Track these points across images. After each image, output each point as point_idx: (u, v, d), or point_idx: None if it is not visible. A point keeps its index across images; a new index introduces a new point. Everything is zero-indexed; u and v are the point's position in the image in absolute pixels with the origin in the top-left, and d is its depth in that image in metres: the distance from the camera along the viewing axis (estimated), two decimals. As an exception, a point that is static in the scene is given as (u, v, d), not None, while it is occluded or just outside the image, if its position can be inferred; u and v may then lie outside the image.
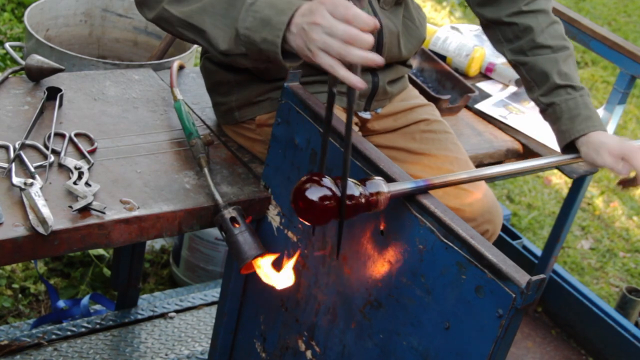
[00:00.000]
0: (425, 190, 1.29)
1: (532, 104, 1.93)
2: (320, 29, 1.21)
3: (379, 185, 1.25)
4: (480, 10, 1.84)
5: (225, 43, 1.36)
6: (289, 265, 1.46)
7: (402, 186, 1.28)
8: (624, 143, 1.67)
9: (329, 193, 1.20)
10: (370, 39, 1.20)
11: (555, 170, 2.53)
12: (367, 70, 1.72)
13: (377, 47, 1.66)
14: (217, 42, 1.37)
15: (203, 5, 1.38)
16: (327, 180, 1.21)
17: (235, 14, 1.34)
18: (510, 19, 1.78)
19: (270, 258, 1.46)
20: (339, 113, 1.68)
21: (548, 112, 1.76)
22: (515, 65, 1.82)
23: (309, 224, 1.31)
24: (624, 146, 1.66)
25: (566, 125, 1.72)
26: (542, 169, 1.69)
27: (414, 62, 2.39)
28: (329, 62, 1.21)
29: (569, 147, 1.75)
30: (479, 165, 2.14)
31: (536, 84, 1.76)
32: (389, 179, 1.30)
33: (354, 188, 1.23)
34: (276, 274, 1.46)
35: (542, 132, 2.21)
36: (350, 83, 1.19)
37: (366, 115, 1.78)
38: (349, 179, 1.23)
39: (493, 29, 1.84)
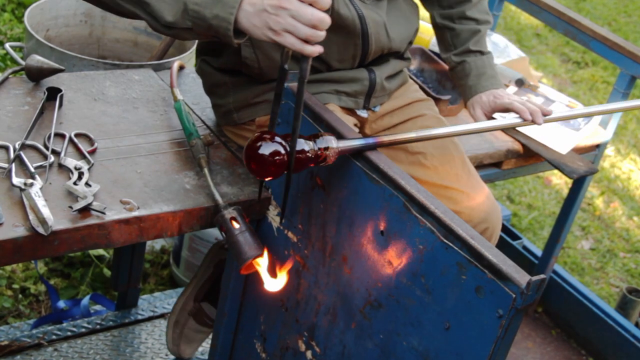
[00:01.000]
0: (374, 147, 1.38)
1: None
2: (286, 13, 1.28)
3: (328, 141, 1.35)
4: None
5: (171, 15, 1.39)
6: (282, 272, 1.48)
7: (351, 143, 1.36)
8: (493, 94, 1.87)
9: (279, 149, 1.30)
10: (329, 20, 1.29)
11: (555, 171, 2.53)
12: (363, 67, 1.72)
13: (363, 37, 1.67)
14: (163, 14, 1.39)
15: None
16: (277, 138, 1.31)
17: None
18: None
19: (265, 265, 1.46)
20: (339, 113, 1.68)
21: (457, 69, 1.93)
22: (440, 26, 1.95)
23: (261, 178, 1.40)
24: (490, 98, 1.87)
25: (473, 81, 1.91)
26: (481, 131, 1.87)
27: (414, 63, 2.39)
28: (293, 42, 1.29)
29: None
30: (479, 165, 2.15)
31: (454, 46, 1.94)
32: (340, 136, 1.38)
33: (303, 143, 1.33)
34: (271, 279, 1.46)
35: (542, 132, 2.21)
36: (315, 53, 1.29)
37: (364, 113, 1.78)
38: (301, 136, 1.33)
39: None
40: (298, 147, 1.32)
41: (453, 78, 1.98)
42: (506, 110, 1.85)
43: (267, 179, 1.37)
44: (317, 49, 1.29)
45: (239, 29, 1.36)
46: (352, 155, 1.38)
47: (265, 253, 1.45)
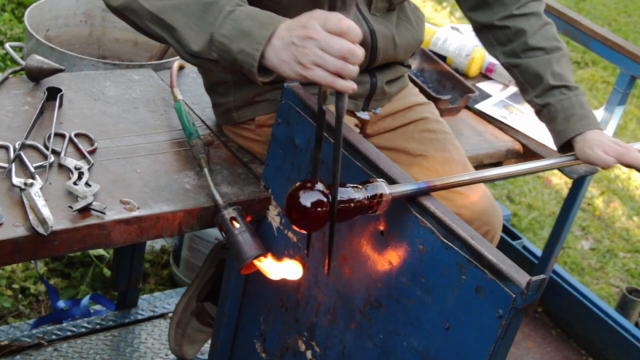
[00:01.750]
0: (427, 192, 1.29)
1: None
2: (314, 44, 1.20)
3: (380, 187, 1.25)
4: (472, 14, 1.84)
5: (197, 45, 1.34)
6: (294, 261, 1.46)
7: (404, 188, 1.27)
8: (618, 142, 1.68)
9: (322, 198, 1.20)
10: (362, 52, 1.20)
11: (555, 171, 2.53)
12: (365, 71, 1.72)
13: (372, 51, 1.66)
14: (189, 42, 1.34)
15: (177, 3, 1.36)
16: (319, 185, 1.21)
17: (212, 19, 1.32)
18: (502, 23, 1.79)
19: (270, 258, 1.46)
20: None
21: (543, 113, 1.77)
22: (508, 68, 1.82)
23: (303, 231, 1.29)
24: (618, 146, 1.67)
25: (561, 125, 1.72)
26: (542, 170, 1.69)
27: (414, 63, 2.39)
28: (323, 76, 1.20)
29: (566, 147, 1.75)
30: (479, 165, 2.14)
31: (530, 85, 1.77)
32: (390, 181, 1.29)
33: (352, 192, 1.23)
34: (281, 267, 1.45)
35: (542, 132, 2.21)
36: (348, 89, 1.19)
37: (364, 115, 1.78)
38: (350, 184, 1.24)
39: (485, 32, 1.85)
40: (347, 196, 1.22)
41: (541, 121, 1.79)
42: (632, 167, 1.67)
43: (309, 231, 1.28)
44: (350, 85, 1.20)
45: (267, 66, 1.29)
46: (353, 156, 1.38)
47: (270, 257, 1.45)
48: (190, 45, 1.34)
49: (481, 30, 1.85)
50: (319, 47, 1.19)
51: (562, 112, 1.72)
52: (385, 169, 1.33)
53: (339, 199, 1.21)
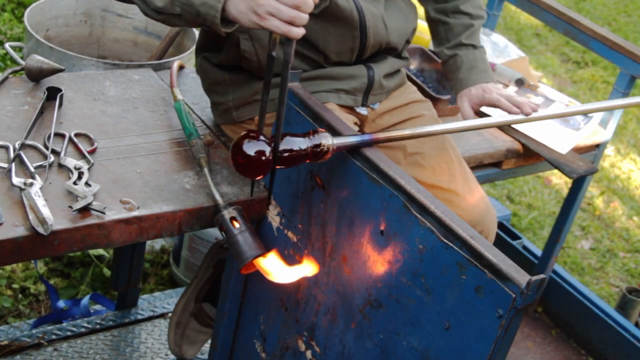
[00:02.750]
0: (370, 143, 1.38)
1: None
2: None
3: (323, 137, 1.35)
4: None
5: (160, 1, 1.43)
6: (298, 269, 1.47)
7: (347, 139, 1.37)
8: (482, 88, 1.88)
9: (265, 148, 1.30)
10: (312, 2, 1.28)
11: (555, 170, 2.53)
12: (362, 64, 1.72)
13: (361, 29, 1.67)
14: None
15: None
16: (262, 136, 1.32)
17: None
18: None
19: (270, 258, 1.46)
20: (338, 112, 1.69)
21: (449, 62, 1.95)
22: (433, 20, 1.97)
23: (248, 177, 1.40)
24: (482, 91, 1.88)
25: (464, 75, 1.92)
26: (470, 129, 1.81)
27: (414, 63, 2.39)
28: (278, 24, 1.29)
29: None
30: (479, 165, 2.15)
31: (447, 40, 1.95)
32: (336, 134, 1.38)
33: (297, 141, 1.33)
34: (283, 268, 1.45)
35: (542, 132, 2.21)
36: (299, 36, 1.29)
37: (363, 111, 1.79)
38: (295, 134, 1.34)
39: None
40: (290, 146, 1.33)
41: (445, 72, 2.00)
42: (493, 105, 1.88)
43: (256, 178, 1.38)
44: (301, 31, 1.30)
45: (228, 18, 1.37)
46: (350, 153, 1.38)
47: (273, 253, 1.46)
48: (155, 1, 1.44)
49: None
50: None
51: (467, 64, 1.92)
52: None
53: (283, 148, 1.32)
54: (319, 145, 1.35)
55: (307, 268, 1.48)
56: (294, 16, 1.28)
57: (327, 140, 1.35)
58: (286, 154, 1.33)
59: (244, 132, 1.33)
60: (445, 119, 2.12)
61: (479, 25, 1.97)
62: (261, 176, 1.35)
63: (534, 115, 1.82)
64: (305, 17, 1.29)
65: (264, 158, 1.31)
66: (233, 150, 1.32)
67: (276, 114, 1.33)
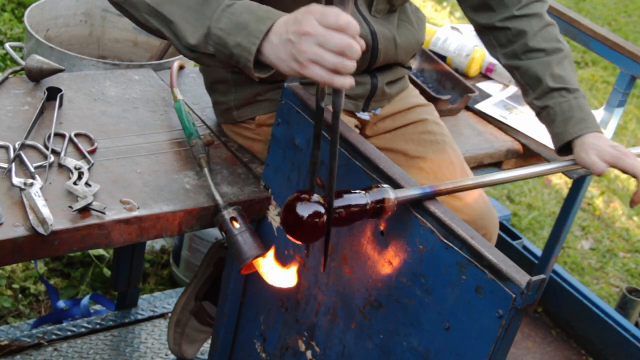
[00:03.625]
0: (432, 196, 1.28)
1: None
2: (311, 40, 1.16)
3: (385, 192, 1.24)
4: (473, 15, 1.83)
5: (194, 38, 1.32)
6: (292, 267, 1.46)
7: (409, 192, 1.27)
8: (616, 147, 1.66)
9: (319, 209, 1.20)
10: (360, 47, 1.18)
11: (556, 171, 2.54)
12: (366, 72, 1.72)
13: (372, 53, 1.65)
14: (185, 35, 1.33)
15: None
16: (316, 196, 1.21)
17: (210, 12, 1.31)
18: (503, 24, 1.77)
19: (270, 257, 1.46)
20: (342, 115, 1.68)
21: (542, 115, 1.76)
22: (509, 69, 1.81)
23: (301, 243, 1.30)
24: (614, 150, 1.65)
25: (560, 128, 1.71)
26: (544, 174, 1.68)
27: (414, 63, 2.39)
28: (321, 73, 1.17)
29: (565, 149, 1.75)
30: (479, 165, 2.14)
31: (530, 87, 1.76)
32: (394, 184, 1.29)
33: (355, 197, 1.22)
34: (278, 271, 1.45)
35: (542, 132, 2.21)
36: (347, 86, 1.17)
37: (364, 116, 1.78)
38: (354, 190, 1.23)
39: (487, 34, 1.83)
40: (347, 203, 1.22)
41: (542, 122, 1.79)
42: (630, 174, 1.65)
43: (310, 242, 1.28)
44: (349, 81, 1.17)
45: (264, 62, 1.27)
46: (353, 157, 1.38)
47: (271, 252, 1.45)
48: (187, 39, 1.33)
49: (482, 31, 1.84)
50: (315, 44, 1.16)
51: (561, 115, 1.71)
52: (386, 170, 1.32)
53: (340, 205, 1.21)
54: (381, 202, 1.23)
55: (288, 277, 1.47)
56: (339, 64, 1.16)
57: (389, 195, 1.24)
58: (343, 213, 1.22)
59: (296, 194, 1.22)
60: (445, 120, 2.12)
61: (559, 60, 1.73)
62: (316, 240, 1.25)
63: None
64: (351, 65, 1.17)
65: (318, 221, 1.20)
66: (284, 212, 1.21)
67: (329, 170, 1.21)
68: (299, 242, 1.27)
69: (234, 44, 1.27)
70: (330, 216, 1.21)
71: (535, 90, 1.75)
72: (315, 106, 1.22)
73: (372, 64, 1.68)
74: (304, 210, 1.19)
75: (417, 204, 1.27)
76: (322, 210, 1.20)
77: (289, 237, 1.23)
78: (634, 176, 1.64)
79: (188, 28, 1.33)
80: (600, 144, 1.66)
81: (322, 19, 1.16)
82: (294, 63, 1.20)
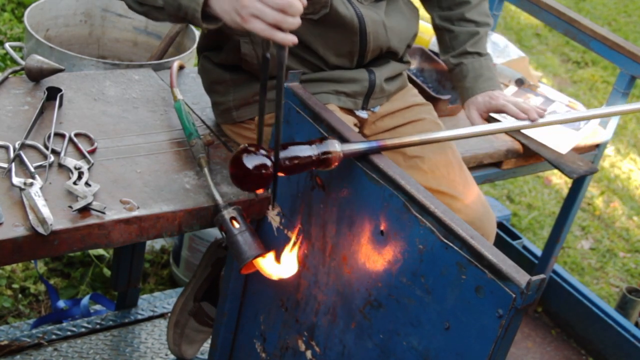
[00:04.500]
0: (377, 150, 1.35)
1: (532, 103, 1.98)
2: None
3: (331, 144, 1.33)
4: None
5: None
6: (291, 254, 1.47)
7: (355, 146, 1.35)
8: (489, 95, 1.87)
9: (265, 161, 1.28)
10: (300, 5, 1.23)
11: (555, 170, 2.53)
12: (363, 68, 1.72)
13: (361, 35, 1.66)
14: None
15: None
16: (262, 150, 1.29)
17: None
18: None
19: (270, 257, 1.46)
20: (339, 113, 1.68)
21: (455, 71, 1.93)
22: (438, 28, 1.96)
23: (249, 191, 1.39)
24: (489, 98, 1.87)
25: (470, 83, 1.91)
26: (478, 135, 1.85)
27: (414, 63, 2.39)
28: (261, 27, 1.23)
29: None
30: (479, 165, 2.14)
31: (452, 48, 1.94)
32: (342, 139, 1.36)
33: (303, 149, 1.31)
34: (278, 266, 1.46)
35: (542, 132, 2.21)
36: (288, 42, 1.23)
37: (363, 114, 1.78)
38: (302, 142, 1.32)
39: None
40: (294, 154, 1.31)
41: (451, 80, 2.00)
42: (500, 111, 1.87)
43: (257, 191, 1.36)
44: (290, 38, 1.23)
45: (211, 14, 1.33)
46: (356, 158, 1.38)
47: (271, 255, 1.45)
48: None
49: None
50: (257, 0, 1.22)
51: (472, 72, 1.90)
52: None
53: (287, 156, 1.30)
54: (326, 153, 1.33)
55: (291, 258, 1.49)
56: (280, 20, 1.22)
57: (335, 147, 1.33)
58: (289, 163, 1.31)
59: (242, 146, 1.30)
60: (445, 120, 2.12)
61: (484, 32, 1.95)
62: (262, 190, 1.33)
63: (540, 120, 1.82)
64: (292, 22, 1.23)
65: (264, 172, 1.28)
66: (232, 164, 1.29)
67: (275, 118, 1.30)
68: (247, 192, 1.37)
69: None
70: (277, 160, 1.28)
71: (455, 49, 1.93)
72: (261, 56, 1.29)
73: (363, 49, 1.68)
74: (251, 161, 1.27)
75: (363, 157, 1.34)
76: (268, 161, 1.28)
77: (238, 186, 1.31)
78: (503, 112, 1.86)
79: None
80: (478, 98, 1.89)
81: None
82: (236, 16, 1.26)
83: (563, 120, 1.96)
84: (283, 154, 1.30)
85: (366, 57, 1.71)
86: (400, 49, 1.79)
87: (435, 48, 2.52)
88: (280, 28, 1.23)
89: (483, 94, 1.89)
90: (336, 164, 1.34)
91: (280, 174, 1.32)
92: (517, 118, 1.82)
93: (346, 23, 1.63)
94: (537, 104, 2.39)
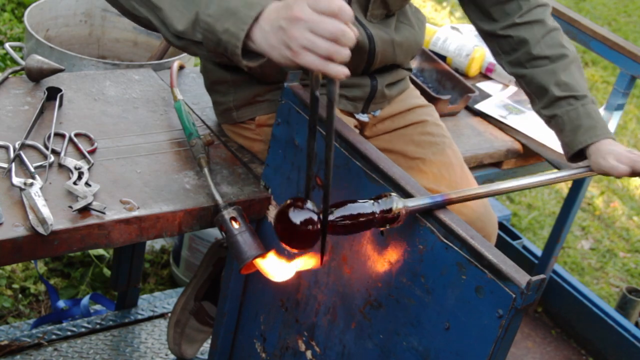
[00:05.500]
0: (442, 205, 1.26)
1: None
2: (303, 26, 1.13)
3: (394, 201, 1.22)
4: (478, 23, 1.82)
5: (182, 25, 1.28)
6: (296, 263, 1.46)
7: (419, 202, 1.24)
8: (632, 151, 1.64)
9: (312, 217, 1.18)
10: (353, 34, 1.15)
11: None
12: (366, 74, 1.71)
13: (369, 55, 1.65)
14: (173, 22, 1.29)
15: None
16: (309, 204, 1.19)
17: None
18: (505, 32, 1.76)
19: (270, 258, 1.46)
20: (340, 115, 1.68)
21: (552, 124, 1.73)
22: (515, 77, 1.80)
23: (296, 250, 1.27)
24: (632, 154, 1.63)
25: (569, 137, 1.69)
26: (558, 182, 1.67)
27: (414, 63, 2.39)
28: (314, 61, 1.14)
29: (576, 157, 1.73)
30: (479, 165, 2.15)
31: (537, 96, 1.74)
32: (401, 190, 1.27)
33: (362, 206, 1.20)
34: (277, 267, 1.45)
35: (542, 132, 2.21)
36: (341, 75, 1.14)
37: (364, 118, 1.78)
38: (361, 200, 1.22)
39: (491, 41, 1.82)
40: (350, 212, 1.19)
41: (552, 129, 1.76)
42: None
43: (305, 249, 1.25)
44: (343, 70, 1.14)
45: (254, 50, 1.22)
46: (353, 157, 1.37)
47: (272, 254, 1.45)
48: (175, 25, 1.29)
49: (487, 38, 1.83)
50: (308, 30, 1.13)
51: (569, 124, 1.68)
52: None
53: (347, 214, 1.19)
54: (389, 211, 1.20)
55: (306, 261, 1.46)
56: (333, 51, 1.12)
57: (399, 204, 1.21)
58: (345, 222, 1.19)
59: (290, 200, 1.19)
60: (445, 120, 2.12)
61: (565, 66, 1.71)
62: (310, 247, 1.22)
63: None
64: (345, 53, 1.13)
65: (311, 228, 1.17)
66: (277, 219, 1.19)
67: (325, 161, 1.18)
68: (294, 250, 1.24)
69: (222, 30, 1.23)
70: (326, 218, 1.18)
71: (541, 99, 1.73)
72: (310, 95, 1.19)
73: (369, 65, 1.68)
74: (297, 217, 1.17)
75: (428, 213, 1.25)
76: (315, 217, 1.18)
77: (283, 245, 1.21)
78: None
79: (176, 15, 1.29)
80: (615, 149, 1.64)
81: (314, 4, 1.13)
82: (286, 50, 1.16)
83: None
84: (337, 213, 1.19)
85: (370, 70, 1.70)
86: (406, 62, 1.78)
87: (436, 48, 2.53)
88: (332, 59, 1.13)
89: (613, 144, 1.65)
90: (400, 222, 1.22)
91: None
92: None
93: (357, 45, 1.61)
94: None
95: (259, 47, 1.21)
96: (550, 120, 1.73)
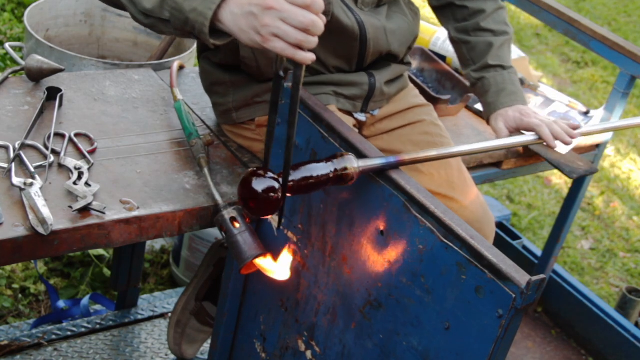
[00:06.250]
0: (395, 166, 1.33)
1: (533, 103, 1.94)
2: (274, 14, 1.17)
3: (348, 160, 1.29)
4: None
5: (149, 3, 1.31)
6: (286, 258, 1.47)
7: (373, 162, 1.32)
8: (520, 111, 1.80)
9: (274, 184, 1.23)
10: (323, 25, 1.19)
11: (555, 171, 2.53)
12: (363, 71, 1.71)
13: (361, 42, 1.65)
14: (142, 0, 1.32)
15: None
16: (270, 173, 1.25)
17: None
18: (462, 3, 1.89)
19: (270, 258, 1.47)
20: (338, 114, 1.68)
21: (477, 85, 1.88)
22: (456, 42, 1.92)
23: (258, 217, 1.34)
24: (519, 114, 1.79)
25: (492, 98, 1.85)
26: (513, 147, 1.84)
27: (414, 62, 2.39)
28: (282, 47, 1.18)
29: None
30: (479, 165, 2.14)
31: (472, 61, 1.89)
32: (359, 155, 1.33)
33: (318, 167, 1.27)
34: (276, 267, 1.46)
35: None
36: (307, 61, 1.19)
37: (361, 117, 1.78)
38: (315, 161, 1.28)
39: (444, 8, 1.93)
40: (308, 174, 1.26)
41: (475, 94, 1.94)
42: (531, 130, 1.78)
43: (268, 216, 1.29)
44: (310, 56, 1.19)
45: (221, 29, 1.27)
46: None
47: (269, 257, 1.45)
48: (143, 3, 1.32)
49: (442, 7, 1.94)
50: (279, 18, 1.17)
51: (495, 86, 1.85)
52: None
53: (301, 176, 1.26)
54: (344, 169, 1.28)
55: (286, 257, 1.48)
56: (302, 40, 1.17)
57: (352, 164, 1.29)
58: (303, 183, 1.26)
59: (251, 169, 1.25)
60: (445, 120, 2.12)
61: (502, 42, 1.88)
62: (271, 214, 1.27)
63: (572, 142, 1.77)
64: (313, 41, 1.18)
65: (273, 195, 1.22)
66: (241, 188, 1.24)
67: (287, 138, 1.23)
68: (255, 217, 1.32)
69: (190, 9, 1.26)
70: (286, 184, 1.24)
71: (476, 63, 1.88)
72: (274, 75, 1.24)
73: (363, 54, 1.68)
74: (259, 185, 1.23)
75: (381, 173, 1.32)
76: (276, 185, 1.23)
77: (245, 211, 1.27)
78: (533, 130, 1.77)
79: None
80: (508, 111, 1.81)
81: None
82: (255, 35, 1.21)
83: (592, 132, 1.90)
84: (295, 175, 1.26)
85: (365, 61, 1.70)
86: (401, 52, 1.78)
87: (436, 48, 2.53)
88: (301, 48, 1.18)
89: (514, 108, 1.82)
90: (353, 181, 1.30)
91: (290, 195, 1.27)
92: (549, 144, 1.75)
93: (347, 30, 1.62)
94: (537, 104, 2.39)
95: (227, 28, 1.25)
96: (477, 82, 1.88)
